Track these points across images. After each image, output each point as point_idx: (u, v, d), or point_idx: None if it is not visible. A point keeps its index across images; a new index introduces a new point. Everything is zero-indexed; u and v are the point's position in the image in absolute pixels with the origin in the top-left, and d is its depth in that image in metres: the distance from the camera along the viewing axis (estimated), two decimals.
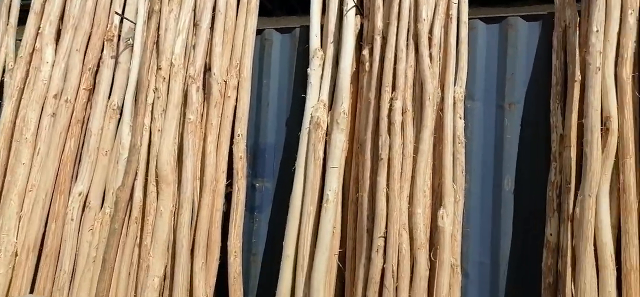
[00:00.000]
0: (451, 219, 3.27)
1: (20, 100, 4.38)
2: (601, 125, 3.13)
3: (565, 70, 3.49)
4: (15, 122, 4.31)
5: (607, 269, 3.01)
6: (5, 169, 4.19)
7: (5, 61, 5.06)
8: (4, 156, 4.22)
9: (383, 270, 3.18)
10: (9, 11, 5.19)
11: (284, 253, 3.55)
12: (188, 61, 4.22)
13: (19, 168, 4.00)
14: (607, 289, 2.99)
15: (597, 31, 3.21)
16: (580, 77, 3.31)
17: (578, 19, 3.47)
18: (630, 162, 3.09)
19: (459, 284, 3.32)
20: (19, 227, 3.93)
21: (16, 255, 3.83)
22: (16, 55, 4.99)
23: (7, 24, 5.17)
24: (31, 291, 3.90)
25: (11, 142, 4.27)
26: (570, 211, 3.20)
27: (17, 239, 3.85)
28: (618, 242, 3.08)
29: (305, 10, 5.12)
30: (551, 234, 3.33)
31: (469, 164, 3.59)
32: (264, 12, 4.82)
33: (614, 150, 3.11)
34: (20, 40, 5.06)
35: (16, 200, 3.92)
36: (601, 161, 3.08)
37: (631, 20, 3.24)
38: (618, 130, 3.12)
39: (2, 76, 5.05)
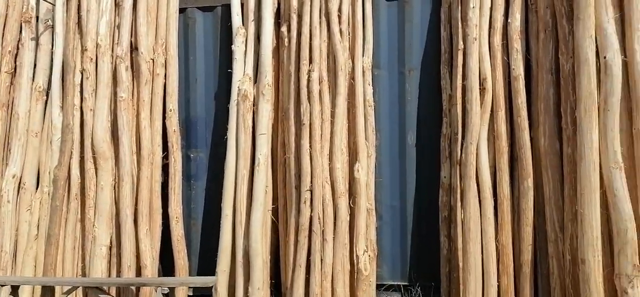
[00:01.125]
0: (365, 171, 3.79)
1: None
2: (479, 86, 3.77)
3: (452, 40, 4.06)
4: None
5: (486, 200, 3.70)
6: None
7: None
8: None
9: (311, 218, 3.66)
10: None
11: (222, 213, 3.89)
12: (114, 41, 4.31)
13: None
14: (487, 215, 3.69)
15: (474, 7, 3.82)
16: (462, 46, 3.90)
17: None
18: (501, 114, 3.77)
19: (374, 225, 3.85)
20: None
21: None
22: None
23: None
24: None
25: None
26: (459, 156, 3.83)
27: None
28: (494, 178, 3.76)
29: None
30: (445, 177, 3.96)
31: (378, 124, 4.09)
32: None
33: (490, 105, 3.76)
34: None
35: None
36: (480, 115, 3.73)
37: None
38: (492, 89, 3.78)
39: None
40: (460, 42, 3.92)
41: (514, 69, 3.77)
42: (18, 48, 4.46)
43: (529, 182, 3.65)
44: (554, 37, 3.68)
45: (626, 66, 3.23)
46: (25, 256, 4.05)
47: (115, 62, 4.18)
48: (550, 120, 3.65)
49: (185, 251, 4.11)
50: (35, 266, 4.06)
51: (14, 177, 4.14)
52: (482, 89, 3.75)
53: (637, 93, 3.19)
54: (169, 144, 4.21)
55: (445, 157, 3.97)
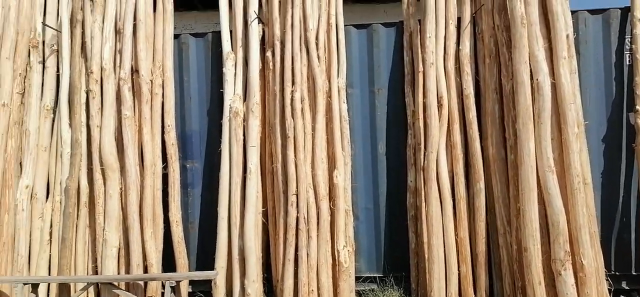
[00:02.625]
0: (343, 177, 4.24)
1: None
2: (437, 102, 4.27)
3: (413, 64, 4.52)
4: None
5: (446, 200, 4.19)
6: None
7: None
8: None
9: (297, 218, 4.08)
10: None
11: (219, 216, 4.28)
12: (116, 65, 4.64)
13: None
14: (447, 213, 4.18)
15: (430, 37, 4.34)
16: (422, 69, 4.38)
17: (418, 26, 4.51)
18: (456, 126, 4.28)
19: (351, 224, 4.30)
20: None
21: None
22: None
23: None
24: None
25: None
26: (422, 163, 4.30)
27: None
28: (452, 182, 4.24)
29: (207, 7, 5.69)
30: (411, 181, 4.43)
31: (353, 136, 4.53)
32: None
33: (446, 119, 4.27)
34: None
35: None
36: (438, 127, 4.24)
37: (451, 27, 4.40)
38: (448, 105, 4.28)
39: None
40: (420, 66, 4.40)
41: (465, 88, 4.30)
42: (27, 71, 4.73)
43: (481, 184, 4.18)
44: (497, 62, 4.21)
45: (554, 87, 3.80)
46: (39, 259, 4.35)
47: (119, 83, 4.51)
48: (497, 132, 4.18)
49: (185, 251, 4.47)
50: (49, 268, 4.37)
51: (27, 187, 4.43)
52: (440, 106, 4.26)
53: (564, 109, 3.76)
54: (168, 156, 4.55)
55: (410, 164, 4.44)
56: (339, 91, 4.45)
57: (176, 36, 4.90)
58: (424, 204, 4.24)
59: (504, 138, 4.14)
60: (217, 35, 4.83)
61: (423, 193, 4.26)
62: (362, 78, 4.71)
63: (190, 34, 5.00)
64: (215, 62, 4.85)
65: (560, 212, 3.67)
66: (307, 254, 4.01)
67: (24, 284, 4.05)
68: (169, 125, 4.62)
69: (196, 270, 4.59)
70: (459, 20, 4.44)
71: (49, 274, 4.37)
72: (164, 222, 4.46)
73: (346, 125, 4.42)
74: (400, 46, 4.66)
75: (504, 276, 4.12)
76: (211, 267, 4.33)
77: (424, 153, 4.29)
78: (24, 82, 4.71)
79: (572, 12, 4.12)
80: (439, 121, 4.23)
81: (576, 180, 3.68)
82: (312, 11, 4.45)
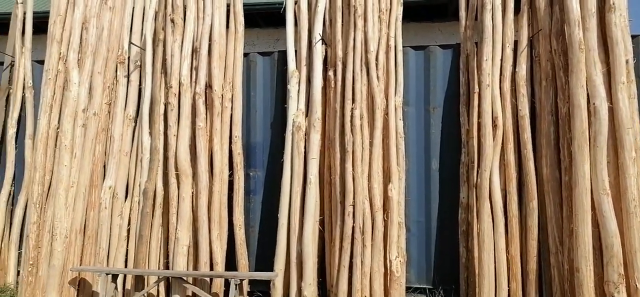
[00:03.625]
0: (397, 191, 4.37)
1: (51, 114, 4.99)
2: (492, 123, 4.34)
3: (468, 84, 4.63)
4: (48, 132, 4.92)
5: (498, 217, 4.22)
6: (45, 169, 4.82)
7: (24, 80, 5.62)
8: (43, 159, 4.84)
9: (353, 228, 4.24)
10: (23, 36, 5.74)
11: (279, 222, 4.50)
12: (192, 80, 5.00)
13: (62, 169, 4.66)
14: (499, 230, 4.21)
15: (487, 59, 4.43)
16: (477, 90, 4.47)
17: (475, 49, 4.62)
18: (510, 146, 4.32)
19: (404, 236, 4.40)
20: (67, 215, 4.61)
21: (66, 237, 4.54)
22: (33, 75, 5.56)
23: (23, 47, 5.72)
24: (80, 264, 4.62)
25: (46, 147, 4.87)
26: (475, 181, 4.37)
27: (67, 225, 4.54)
28: (505, 200, 4.28)
29: (268, 24, 5.99)
30: (463, 197, 4.49)
31: (408, 152, 4.65)
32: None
33: (501, 139, 4.32)
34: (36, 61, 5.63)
35: (63, 194, 4.59)
36: (492, 147, 4.30)
37: (508, 50, 4.47)
38: (502, 126, 4.33)
39: (23, 92, 5.61)
40: (476, 87, 4.49)
41: (520, 109, 4.34)
42: (114, 84, 5.20)
43: (534, 203, 4.18)
44: (554, 85, 4.23)
45: (612, 111, 3.78)
46: (118, 252, 4.74)
47: (194, 97, 4.86)
48: (551, 153, 4.18)
49: (246, 252, 4.72)
50: (126, 261, 4.75)
51: (110, 188, 4.85)
52: (494, 126, 4.32)
53: (621, 133, 3.73)
54: (234, 164, 4.83)
55: (463, 181, 4.51)
56: (396, 109, 4.59)
57: (245, 55, 5.23)
58: (475, 220, 4.29)
59: (558, 159, 4.14)
60: (283, 54, 5.12)
61: (475, 209, 4.31)
62: (418, 97, 4.84)
63: (258, 53, 5.31)
64: (280, 79, 5.13)
65: (614, 235, 3.63)
66: (361, 261, 4.15)
67: (106, 274, 4.44)
68: (236, 136, 4.91)
69: (255, 271, 4.82)
70: (516, 43, 4.49)
71: (126, 267, 4.74)
72: (228, 225, 4.73)
73: (402, 142, 4.54)
74: (456, 67, 4.77)
75: (554, 295, 4.08)
76: (269, 269, 4.56)
77: (477, 171, 4.35)
78: (111, 94, 5.18)
79: (632, 37, 4.07)
80: (493, 140, 4.29)
81: (632, 204, 3.63)
82: (373, 34, 4.64)
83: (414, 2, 5.73)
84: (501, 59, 4.46)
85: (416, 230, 4.67)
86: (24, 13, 5.79)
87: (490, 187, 4.26)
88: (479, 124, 4.41)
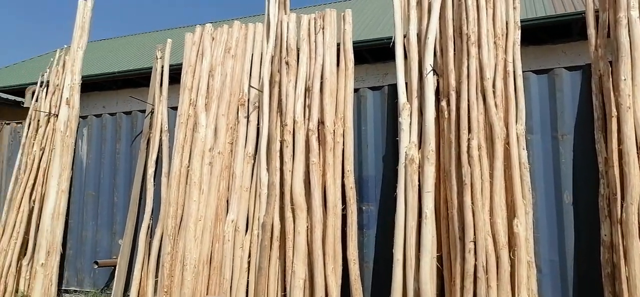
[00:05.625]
0: (524, 226, 3.89)
1: (182, 154, 5.37)
2: (636, 149, 3.70)
3: (603, 108, 4.05)
4: (180, 170, 5.29)
5: None
6: (177, 204, 5.16)
7: (161, 124, 6.15)
8: (176, 195, 5.20)
9: (475, 266, 3.83)
10: (161, 86, 6.31)
11: (394, 258, 4.25)
12: (305, 117, 5.06)
13: (192, 204, 4.94)
14: None
15: (625, 79, 3.82)
16: (616, 113, 3.88)
17: (610, 68, 4.05)
18: None
19: (534, 277, 3.88)
20: (196, 246, 4.84)
21: (195, 267, 4.75)
22: (168, 120, 6.06)
23: (160, 96, 6.28)
24: (206, 294, 4.80)
25: (179, 184, 5.23)
26: (619, 215, 3.72)
27: (196, 256, 4.77)
28: None
29: (376, 59, 5.87)
30: (606, 235, 3.84)
31: (534, 183, 4.16)
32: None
33: None
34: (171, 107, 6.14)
35: (193, 227, 4.85)
36: (639, 176, 3.66)
37: None
38: None
39: (160, 135, 6.13)
40: (614, 110, 3.90)
41: None
42: (235, 124, 5.46)
43: None
44: None
45: None
46: (239, 283, 4.83)
47: (308, 134, 4.90)
48: None
49: (361, 288, 4.52)
50: (246, 292, 4.82)
51: (232, 221, 5.02)
52: None
53: None
54: (347, 198, 4.72)
55: (604, 216, 3.88)
56: (518, 137, 4.16)
57: (356, 90, 5.18)
58: (623, 262, 3.63)
59: None
60: (392, 87, 4.97)
61: (621, 249, 3.66)
62: (543, 123, 4.35)
63: (368, 87, 5.24)
64: (390, 112, 4.98)
65: None
66: None
67: None
68: (348, 170, 4.82)
69: None
70: None
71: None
72: (342, 260, 4.59)
73: (526, 172, 4.08)
74: (587, 90, 4.21)
75: None
76: None
77: (621, 204, 3.71)
78: (233, 134, 5.44)
79: None
80: None
81: None
82: (489, 60, 4.30)
83: (533, 25, 5.25)
84: None
85: (549, 270, 4.10)
86: (162, 66, 6.39)
87: (638, 223, 3.59)
88: (619, 151, 3.80)
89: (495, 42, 4.40)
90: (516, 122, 4.22)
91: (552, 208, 4.17)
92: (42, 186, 6.25)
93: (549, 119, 4.34)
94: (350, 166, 4.84)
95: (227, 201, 5.18)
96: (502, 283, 3.74)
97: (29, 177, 6.30)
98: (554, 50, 5.70)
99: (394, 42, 4.97)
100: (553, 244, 4.11)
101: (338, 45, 5.21)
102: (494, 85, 4.30)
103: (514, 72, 4.37)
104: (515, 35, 4.47)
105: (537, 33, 5.52)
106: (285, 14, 5.55)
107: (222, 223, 5.03)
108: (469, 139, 4.19)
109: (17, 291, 6.05)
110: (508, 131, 4.18)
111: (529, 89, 4.44)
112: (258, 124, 5.41)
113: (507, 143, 4.14)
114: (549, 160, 4.25)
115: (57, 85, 6.74)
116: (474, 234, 3.90)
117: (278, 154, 5.04)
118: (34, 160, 6.36)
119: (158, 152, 6.10)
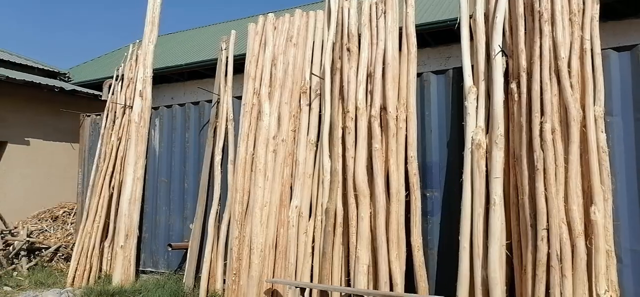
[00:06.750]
0: (602, 214, 3.67)
1: (247, 142, 5.56)
2: None
3: None
4: (245, 158, 5.49)
5: None
6: (243, 190, 5.37)
7: (227, 113, 6.39)
8: (242, 182, 5.40)
9: (548, 254, 3.68)
10: (226, 76, 6.54)
11: (461, 245, 4.17)
12: (368, 104, 5.06)
13: (257, 190, 5.12)
14: None
15: None
16: None
17: None
18: None
19: (614, 267, 3.67)
20: (262, 231, 5.02)
21: (262, 251, 4.93)
22: (233, 109, 6.27)
23: (225, 86, 6.51)
24: (273, 277, 4.97)
25: (244, 171, 5.43)
26: None
27: (262, 240, 4.94)
28: None
29: (439, 42, 5.69)
30: None
31: (614, 168, 3.91)
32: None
33: None
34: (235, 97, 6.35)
35: (258, 212, 5.03)
36: None
37: None
38: None
39: (226, 124, 6.38)
40: None
41: None
42: (298, 112, 5.56)
43: None
44: None
45: None
46: (304, 267, 4.96)
47: (370, 120, 4.90)
48: None
49: (426, 275, 4.49)
50: (310, 276, 4.94)
51: (296, 207, 5.14)
52: None
53: None
54: (410, 185, 4.69)
55: None
56: (595, 120, 3.92)
57: (418, 74, 5.09)
58: None
59: None
60: (458, 71, 4.84)
61: None
62: (624, 105, 4.06)
63: (431, 71, 5.13)
64: (455, 97, 4.86)
65: None
66: (561, 293, 3.56)
67: (295, 287, 4.66)
68: (411, 156, 4.77)
69: (435, 294, 4.54)
70: None
71: (311, 281, 4.92)
72: (406, 246, 4.57)
73: (605, 157, 3.84)
74: None
75: None
76: (448, 293, 4.24)
77: None
78: (296, 122, 5.54)
79: None
80: None
81: None
82: (564, 39, 4.07)
83: None
84: None
85: (630, 261, 3.85)
86: (227, 57, 6.61)
87: None
88: None
89: (570, 19, 4.15)
90: (594, 103, 3.98)
91: (634, 195, 3.90)
92: (120, 174, 6.72)
93: (631, 100, 4.05)
94: (413, 152, 4.79)
95: (291, 187, 5.31)
96: (578, 273, 3.57)
97: (108, 165, 6.80)
98: (636, 24, 5.27)
99: (459, 24, 4.83)
100: (635, 233, 3.86)
101: (400, 29, 5.13)
102: (569, 65, 4.07)
103: (592, 50, 4.11)
104: (593, 10, 4.20)
105: (617, 7, 5.12)
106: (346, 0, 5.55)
107: (287, 209, 5.16)
108: (541, 123, 4.00)
109: (100, 270, 6.59)
110: (585, 113, 3.94)
111: (609, 67, 4.16)
112: (320, 111, 5.48)
113: (583, 126, 3.91)
114: (631, 144, 3.97)
115: (131, 78, 7.18)
116: (547, 222, 3.74)
117: (340, 140, 5.08)
118: (112, 149, 6.85)
119: (224, 140, 6.35)
